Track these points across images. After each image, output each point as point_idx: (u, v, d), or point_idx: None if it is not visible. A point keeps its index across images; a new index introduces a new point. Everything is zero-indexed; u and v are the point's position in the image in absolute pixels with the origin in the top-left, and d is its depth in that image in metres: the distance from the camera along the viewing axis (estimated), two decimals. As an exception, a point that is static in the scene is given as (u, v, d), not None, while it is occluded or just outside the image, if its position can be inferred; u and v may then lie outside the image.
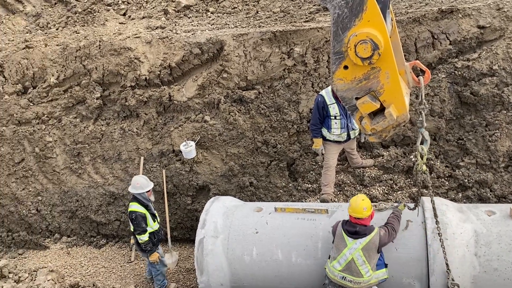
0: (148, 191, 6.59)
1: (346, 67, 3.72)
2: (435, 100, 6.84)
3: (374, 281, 4.84)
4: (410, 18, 6.90)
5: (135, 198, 6.55)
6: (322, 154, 6.78)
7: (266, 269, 5.54)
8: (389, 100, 3.79)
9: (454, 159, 6.89)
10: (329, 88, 6.23)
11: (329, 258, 5.04)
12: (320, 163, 7.38)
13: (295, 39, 7.27)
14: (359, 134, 6.71)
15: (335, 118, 6.23)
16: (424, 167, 4.34)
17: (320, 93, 6.33)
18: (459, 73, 6.69)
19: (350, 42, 3.55)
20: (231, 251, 5.69)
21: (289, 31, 7.27)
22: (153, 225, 6.64)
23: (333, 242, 5.00)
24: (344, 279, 4.79)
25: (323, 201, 6.56)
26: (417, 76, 4.12)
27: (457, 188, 6.75)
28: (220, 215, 5.99)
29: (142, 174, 8.08)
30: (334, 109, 6.18)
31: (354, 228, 4.77)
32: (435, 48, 6.88)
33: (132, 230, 6.67)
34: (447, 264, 4.72)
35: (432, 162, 6.89)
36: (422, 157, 4.27)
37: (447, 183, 6.79)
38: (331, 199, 6.60)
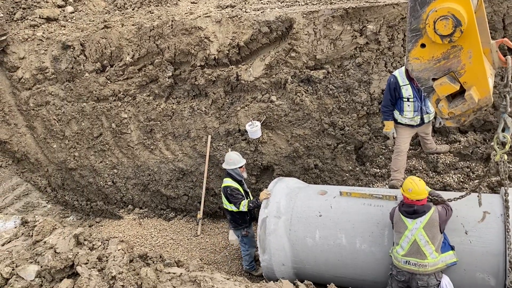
0: (241, 167, 6.71)
1: (423, 46, 3.46)
2: (523, 82, 6.22)
3: (442, 264, 4.66)
4: (499, -9, 6.28)
5: (228, 174, 6.72)
6: (394, 138, 6.47)
7: (329, 253, 5.46)
8: (471, 81, 3.48)
9: (543, 148, 6.27)
10: (403, 68, 5.89)
11: (393, 245, 4.94)
12: (390, 147, 7.07)
13: (369, 16, 6.92)
14: (435, 118, 6.30)
15: (408, 100, 5.88)
16: (505, 156, 3.98)
17: (393, 73, 6.00)
18: (555, 52, 6.00)
19: (429, 18, 3.28)
20: (294, 232, 5.67)
21: (362, 8, 6.94)
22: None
23: (393, 229, 4.94)
24: (408, 263, 4.69)
25: (392, 187, 6.29)
26: (504, 56, 3.73)
27: (545, 180, 6.15)
28: (284, 196, 5.98)
29: (209, 152, 8.29)
30: (407, 91, 5.83)
31: (412, 208, 4.71)
32: (527, 25, 6.23)
33: (225, 207, 6.82)
34: (510, 262, 4.45)
35: (516, 150, 6.32)
36: (503, 145, 3.91)
37: (533, 174, 6.20)
38: (401, 186, 6.30)
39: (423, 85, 3.72)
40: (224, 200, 6.74)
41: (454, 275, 4.78)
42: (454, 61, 3.45)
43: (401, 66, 6.76)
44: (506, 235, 4.48)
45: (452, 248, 4.73)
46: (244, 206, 6.45)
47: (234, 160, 6.68)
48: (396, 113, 6.12)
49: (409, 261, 4.68)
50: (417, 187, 4.71)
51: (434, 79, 3.61)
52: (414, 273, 4.67)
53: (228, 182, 6.65)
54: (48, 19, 10.27)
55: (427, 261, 4.60)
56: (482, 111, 3.68)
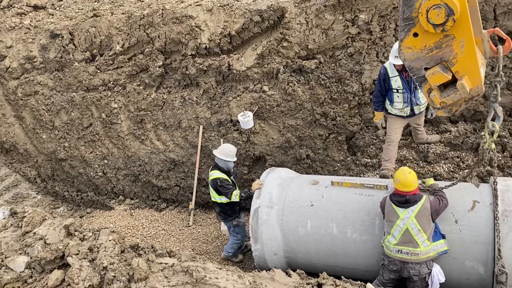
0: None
1: (415, 35, 3.44)
2: (513, 72, 6.27)
3: (434, 253, 4.71)
4: (491, -19, 6.28)
5: (215, 167, 6.66)
6: (383, 128, 6.50)
7: (320, 243, 5.49)
8: (463, 71, 3.48)
9: (532, 138, 6.34)
10: None
11: (384, 235, 4.98)
12: (381, 137, 7.10)
13: (361, 5, 6.89)
14: (426, 109, 6.32)
15: (397, 91, 5.91)
16: (493, 145, 4.01)
17: (383, 64, 6.02)
18: (545, 43, 6.03)
19: (421, 7, 3.26)
20: (286, 222, 5.69)
21: (354, -3, 6.91)
22: None
23: (384, 219, 4.98)
24: (400, 252, 4.73)
25: (383, 176, 6.33)
26: (495, 46, 3.74)
27: (533, 169, 6.23)
28: (276, 186, 5.99)
29: (201, 142, 8.25)
30: (396, 82, 5.86)
31: (404, 198, 4.75)
32: (518, 15, 6.25)
33: (213, 199, 6.77)
34: (499, 250, 4.49)
35: (505, 140, 6.38)
36: (492, 134, 3.95)
37: (521, 163, 6.28)
38: (391, 175, 6.34)
39: (415, 74, 3.71)
40: (213, 192, 6.70)
41: (444, 263, 4.83)
42: (446, 50, 3.44)
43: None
44: (495, 224, 4.52)
45: (443, 237, 4.78)
46: (236, 196, 6.37)
47: (233, 153, 6.65)
48: (387, 104, 6.14)
49: (401, 250, 4.72)
50: (405, 179, 4.74)
51: (426, 69, 3.61)
52: (406, 262, 4.70)
53: (216, 174, 6.58)
54: (36, 7, 10.09)
55: (420, 249, 4.64)
56: (473, 100, 3.69)
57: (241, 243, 7.07)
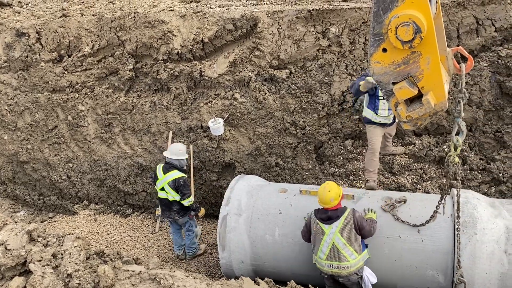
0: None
1: (384, 50, 3.56)
2: (474, 89, 6.56)
3: (362, 263, 4.83)
4: (454, 1, 6.58)
5: (173, 167, 6.74)
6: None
7: (287, 251, 5.54)
8: (428, 87, 3.63)
9: (490, 152, 6.64)
10: None
11: (313, 251, 5.02)
12: (349, 148, 7.26)
13: (332, 18, 7.06)
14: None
15: (384, 98, 6.01)
16: (457, 159, 4.18)
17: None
18: (503, 62, 6.37)
19: (391, 24, 3.38)
20: (254, 229, 5.71)
21: (326, 10, 7.07)
22: None
23: (310, 237, 5.00)
24: (332, 267, 4.79)
25: (370, 188, 6.32)
26: (458, 63, 3.92)
27: (491, 182, 6.53)
28: (245, 194, 6.01)
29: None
30: None
31: (326, 214, 4.82)
32: (479, 35, 6.57)
33: (171, 199, 6.77)
34: (458, 260, 4.65)
35: (466, 153, 6.66)
36: (456, 148, 4.12)
37: (480, 176, 6.56)
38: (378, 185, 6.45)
39: (383, 88, 3.84)
40: (170, 192, 6.73)
41: (406, 272, 4.98)
42: (413, 66, 3.57)
43: (361, 69, 6.96)
44: (456, 234, 4.70)
45: (366, 246, 4.92)
46: (190, 202, 6.67)
47: (183, 150, 6.84)
48: (370, 113, 6.23)
49: (332, 265, 4.79)
50: (323, 196, 4.78)
51: (394, 83, 3.73)
52: (338, 276, 4.81)
53: (178, 173, 6.71)
54: (1, 4, 9.77)
55: (348, 263, 4.72)
56: (438, 115, 3.85)
57: (197, 232, 7.30)
